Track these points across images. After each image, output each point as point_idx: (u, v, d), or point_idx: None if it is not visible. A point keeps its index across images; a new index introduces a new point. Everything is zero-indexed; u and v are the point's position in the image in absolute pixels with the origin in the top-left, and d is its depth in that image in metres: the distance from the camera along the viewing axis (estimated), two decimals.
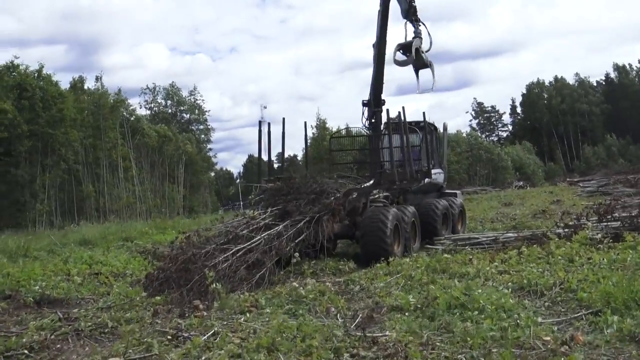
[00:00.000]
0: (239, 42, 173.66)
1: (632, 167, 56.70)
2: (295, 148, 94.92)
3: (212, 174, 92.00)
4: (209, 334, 7.27)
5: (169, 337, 7.31)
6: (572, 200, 29.95)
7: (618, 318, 6.38)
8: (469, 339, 6.20)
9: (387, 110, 17.16)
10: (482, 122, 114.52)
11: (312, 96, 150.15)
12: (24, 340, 7.61)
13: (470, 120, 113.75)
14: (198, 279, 10.03)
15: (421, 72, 17.97)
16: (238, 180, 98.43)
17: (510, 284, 8.84)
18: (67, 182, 49.31)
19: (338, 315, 8.18)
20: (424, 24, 17.46)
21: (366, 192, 15.23)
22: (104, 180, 53.91)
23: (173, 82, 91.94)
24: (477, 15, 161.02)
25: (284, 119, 17.46)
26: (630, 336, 5.94)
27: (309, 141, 59.68)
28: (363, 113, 18.50)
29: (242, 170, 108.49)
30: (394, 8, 17.85)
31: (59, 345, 7.64)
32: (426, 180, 17.54)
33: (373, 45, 18.59)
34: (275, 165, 38.95)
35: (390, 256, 13.01)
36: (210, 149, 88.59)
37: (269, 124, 17.34)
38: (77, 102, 52.17)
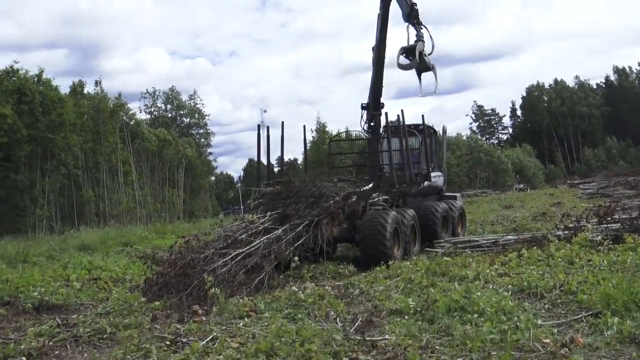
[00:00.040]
0: (239, 46, 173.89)
1: (633, 169, 56.74)
2: (296, 152, 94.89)
3: (213, 178, 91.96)
4: (208, 339, 7.25)
5: (168, 342, 7.28)
6: (573, 202, 29.94)
7: (618, 320, 6.35)
8: (468, 342, 6.17)
9: (386, 114, 17.16)
10: (482, 125, 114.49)
11: (312, 100, 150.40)
12: (22, 346, 7.59)
13: (471, 123, 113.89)
14: (197, 283, 10.01)
15: (423, 75, 17.88)
16: (238, 185, 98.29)
17: (510, 286, 8.82)
18: (67, 187, 49.25)
19: (337, 319, 8.15)
20: (425, 27, 17.28)
21: (365, 196, 15.19)
22: (104, 184, 53.87)
23: (173, 86, 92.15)
24: (477, 18, 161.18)
25: (282, 122, 17.44)
26: (630, 338, 5.92)
27: (309, 145, 59.81)
28: (362, 116, 18.47)
29: (242, 174, 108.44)
30: (394, 11, 17.82)
31: (57, 352, 7.61)
32: (426, 183, 17.51)
33: (372, 48, 18.55)
34: (276, 169, 38.91)
35: (390, 259, 12.96)
36: (210, 153, 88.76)
37: (267, 127, 17.34)
38: (76, 107, 52.14)
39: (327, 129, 63.47)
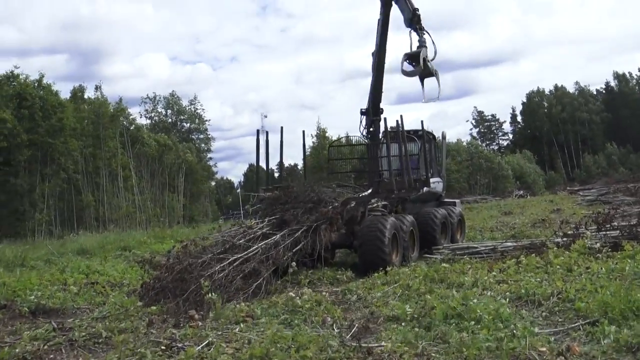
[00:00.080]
0: (240, 51, 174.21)
1: (633, 176, 56.64)
2: (296, 157, 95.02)
3: (213, 183, 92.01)
4: (203, 344, 7.22)
5: (163, 347, 7.26)
6: (572, 209, 29.87)
7: (615, 328, 6.31)
8: (464, 349, 6.14)
9: (385, 119, 17.14)
10: (482, 130, 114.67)
11: (313, 105, 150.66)
12: (17, 350, 7.56)
13: (471, 129, 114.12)
14: (194, 288, 9.99)
15: (426, 80, 17.82)
16: (238, 190, 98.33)
17: (508, 293, 8.78)
18: (67, 191, 49.28)
19: (334, 325, 8.12)
20: (427, 33, 17.17)
21: (364, 201, 15.15)
22: (104, 189, 53.88)
23: (173, 91, 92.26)
24: (478, 24, 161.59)
25: (282, 127, 17.40)
26: (627, 347, 5.88)
27: (309, 150, 59.82)
28: (361, 122, 18.48)
29: (242, 180, 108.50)
30: (394, 17, 17.83)
31: (52, 356, 7.58)
32: (425, 189, 17.49)
33: (372, 53, 18.56)
34: (276, 174, 38.89)
35: (388, 265, 12.90)
36: (210, 158, 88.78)
37: (266, 132, 17.33)
38: (77, 112, 52.18)
39: (327, 134, 63.49)
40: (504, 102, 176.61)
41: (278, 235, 12.46)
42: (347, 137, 23.18)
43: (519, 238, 16.76)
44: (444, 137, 20.51)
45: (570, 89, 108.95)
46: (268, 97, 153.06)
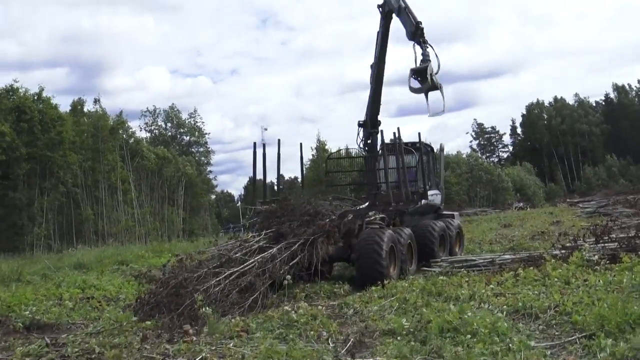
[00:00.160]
0: (240, 64, 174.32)
1: (633, 188, 56.60)
2: (297, 170, 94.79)
3: (213, 196, 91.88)
4: (197, 359, 7.15)
5: None
6: (572, 221, 29.80)
7: (612, 342, 6.25)
8: None
9: (381, 132, 17.10)
10: (482, 143, 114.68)
11: (313, 117, 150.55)
12: None
13: (471, 141, 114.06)
14: (189, 303, 9.91)
15: (430, 94, 17.54)
16: (239, 203, 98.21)
17: (505, 306, 8.71)
18: (66, 205, 49.15)
19: (329, 339, 8.06)
20: (431, 46, 16.75)
21: (362, 214, 15.10)
22: (103, 203, 53.78)
23: (173, 104, 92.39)
24: (477, 36, 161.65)
25: (279, 140, 17.35)
26: None
27: (308, 163, 59.54)
28: (358, 134, 18.46)
29: (243, 193, 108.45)
30: (394, 29, 17.81)
31: None
32: (423, 201, 17.42)
33: (371, 66, 18.53)
34: (276, 187, 38.77)
35: (386, 279, 12.85)
36: (210, 172, 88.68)
37: (263, 145, 17.26)
38: (76, 125, 52.16)
39: (326, 147, 63.49)
40: (503, 114, 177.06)
41: (275, 249, 12.41)
42: (347, 149, 23.15)
43: (518, 250, 16.70)
44: (442, 149, 20.47)
45: (570, 100, 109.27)
46: (268, 109, 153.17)
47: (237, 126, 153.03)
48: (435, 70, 16.56)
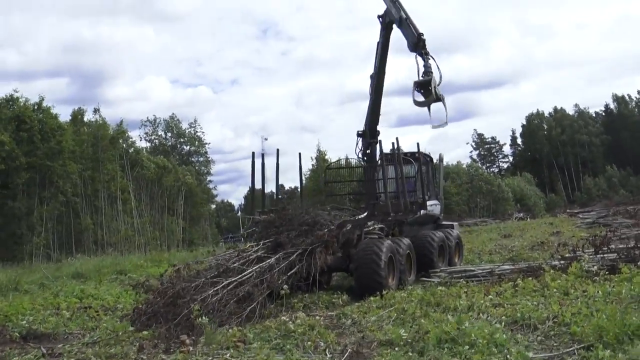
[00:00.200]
0: (241, 74, 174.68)
1: (633, 198, 56.61)
2: (297, 180, 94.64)
3: (213, 206, 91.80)
4: None
5: None
6: (572, 231, 29.77)
7: (610, 353, 6.23)
8: None
9: (380, 142, 17.07)
10: (482, 153, 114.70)
11: (314, 127, 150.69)
12: None
13: (471, 152, 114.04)
14: (186, 313, 9.87)
15: (432, 105, 17.37)
16: (239, 213, 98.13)
17: (503, 317, 8.69)
18: (65, 214, 49.08)
19: (327, 350, 8.03)
20: (432, 57, 16.60)
21: (360, 224, 15.06)
22: (103, 212, 53.71)
23: (173, 113, 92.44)
24: (478, 47, 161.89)
25: (277, 150, 17.30)
26: None
27: (308, 173, 59.45)
28: (357, 144, 18.44)
29: (243, 202, 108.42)
30: (394, 39, 17.79)
31: None
32: (422, 211, 17.38)
33: (371, 76, 18.50)
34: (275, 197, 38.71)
35: (385, 289, 12.82)
36: (210, 181, 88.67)
37: (262, 155, 17.23)
38: (76, 134, 52.16)
39: (326, 157, 63.44)
40: (504, 124, 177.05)
41: (273, 259, 12.36)
42: (347, 159, 23.11)
43: (517, 261, 16.66)
44: (441, 159, 20.45)
45: (570, 111, 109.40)
46: (269, 119, 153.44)
47: (238, 136, 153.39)
48: (437, 82, 16.50)
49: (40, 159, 45.13)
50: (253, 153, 16.92)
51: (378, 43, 18.20)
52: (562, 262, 13.27)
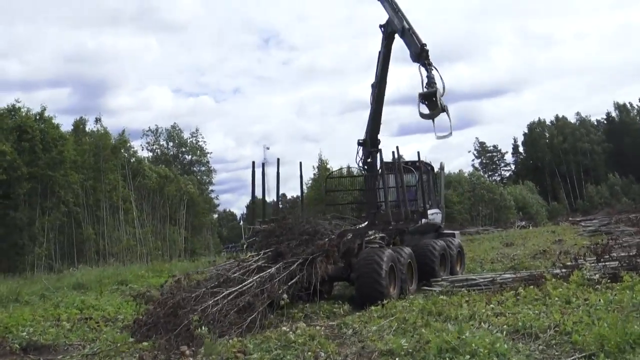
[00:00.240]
0: (243, 83, 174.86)
1: (635, 206, 56.50)
2: (299, 189, 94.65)
3: (215, 215, 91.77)
4: None
5: None
6: (574, 239, 29.70)
7: None
8: None
9: (380, 151, 17.05)
10: (484, 161, 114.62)
11: (315, 136, 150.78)
12: None
13: (473, 160, 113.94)
14: (186, 324, 9.86)
15: (433, 112, 17.24)
16: (241, 222, 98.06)
17: (505, 326, 8.63)
18: (67, 224, 49.01)
19: None
20: (435, 68, 16.57)
21: (361, 233, 15.04)
22: (104, 222, 53.68)
23: (175, 123, 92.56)
24: (479, 56, 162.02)
25: (278, 159, 17.32)
26: None
27: (310, 182, 59.44)
28: (358, 153, 18.43)
29: (245, 212, 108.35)
30: (396, 48, 17.82)
31: None
32: (423, 220, 17.35)
33: (372, 85, 18.53)
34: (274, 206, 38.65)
35: (386, 298, 12.80)
36: (212, 191, 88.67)
37: (263, 164, 17.25)
38: (78, 144, 52.17)
39: (328, 166, 63.46)
40: (505, 132, 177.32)
41: (273, 268, 12.34)
42: (348, 168, 23.15)
43: (519, 269, 16.61)
44: (442, 168, 20.44)
45: (572, 119, 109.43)
46: (271, 128, 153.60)
47: (240, 145, 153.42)
48: (441, 93, 16.43)
49: (42, 169, 45.10)
50: (253, 162, 16.95)
51: (379, 52, 18.23)
52: (563, 270, 13.22)
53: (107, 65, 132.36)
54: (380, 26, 18.11)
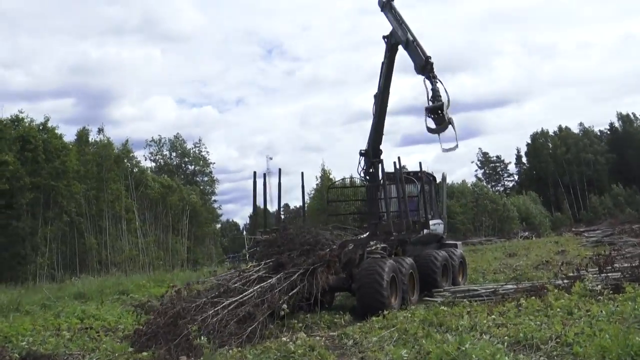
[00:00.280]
0: (246, 94, 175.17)
1: (639, 217, 56.29)
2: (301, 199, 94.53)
3: (218, 225, 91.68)
4: None
5: None
6: (577, 250, 29.63)
7: None
8: None
9: (381, 161, 17.03)
10: (487, 172, 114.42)
11: (319, 147, 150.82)
12: None
13: (476, 170, 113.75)
14: (186, 334, 9.82)
15: (440, 127, 17.03)
16: (244, 232, 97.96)
17: (506, 337, 8.57)
18: (69, 234, 49.00)
19: None
20: (440, 81, 16.37)
21: (362, 244, 15.00)
22: (107, 232, 53.66)
23: (178, 133, 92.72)
24: (482, 66, 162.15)
25: (279, 169, 17.34)
26: None
27: (313, 192, 59.46)
28: (359, 163, 18.38)
29: (248, 222, 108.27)
30: (399, 59, 17.79)
31: None
32: (425, 231, 17.31)
33: (375, 96, 18.45)
34: (282, 217, 38.61)
35: (387, 309, 12.76)
36: (215, 201, 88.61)
37: (264, 174, 17.21)
38: (81, 154, 52.23)
39: (331, 176, 63.44)
40: (508, 143, 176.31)
41: (274, 279, 12.31)
42: (351, 178, 23.09)
43: (521, 280, 16.53)
44: (444, 178, 20.41)
45: (575, 129, 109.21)
46: (274, 139, 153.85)
47: (243, 155, 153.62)
48: (446, 106, 16.22)
49: (45, 179, 45.10)
50: (254, 173, 16.89)
51: (383, 63, 18.18)
52: (566, 281, 13.17)
53: (111, 76, 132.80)
54: (384, 37, 18.08)
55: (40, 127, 47.48)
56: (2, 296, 19.73)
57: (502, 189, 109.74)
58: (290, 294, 12.22)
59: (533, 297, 11.80)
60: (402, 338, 9.63)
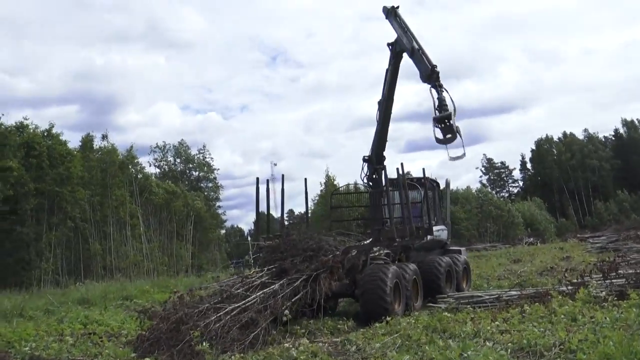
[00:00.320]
0: (250, 100, 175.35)
1: None
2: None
3: (223, 231, 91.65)
4: None
5: None
6: (582, 256, 29.53)
7: None
8: None
9: (384, 167, 16.99)
10: (492, 178, 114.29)
11: (323, 153, 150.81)
12: None
13: (481, 177, 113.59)
14: (188, 339, 9.80)
15: (447, 137, 16.94)
16: (248, 238, 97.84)
17: (509, 344, 8.55)
18: (74, 240, 49.03)
19: None
20: (446, 90, 16.28)
21: (365, 250, 14.96)
22: (111, 238, 53.70)
23: (182, 139, 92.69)
24: (486, 73, 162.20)
25: (282, 175, 17.38)
26: None
27: (317, 198, 59.45)
28: (363, 169, 18.34)
29: (252, 228, 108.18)
30: (404, 66, 17.77)
31: None
32: (428, 237, 17.26)
33: (378, 102, 18.41)
34: (286, 222, 38.56)
35: (390, 315, 12.74)
36: (219, 207, 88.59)
37: (267, 180, 17.22)
38: (85, 160, 52.28)
39: (335, 182, 63.39)
40: (513, 149, 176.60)
41: (277, 285, 12.29)
42: (355, 184, 23.07)
43: (525, 286, 16.49)
44: (447, 184, 20.40)
45: (579, 136, 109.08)
46: (278, 145, 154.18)
47: (247, 161, 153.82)
48: (453, 115, 16.16)
49: (49, 185, 45.13)
50: (257, 179, 16.85)
51: (387, 70, 18.13)
52: (570, 287, 13.12)
53: (116, 82, 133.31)
54: (388, 44, 18.03)
55: (45, 134, 47.53)
56: (6, 301, 19.75)
57: (506, 195, 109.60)
58: (293, 300, 12.19)
59: (537, 304, 11.75)
60: (405, 344, 9.59)
